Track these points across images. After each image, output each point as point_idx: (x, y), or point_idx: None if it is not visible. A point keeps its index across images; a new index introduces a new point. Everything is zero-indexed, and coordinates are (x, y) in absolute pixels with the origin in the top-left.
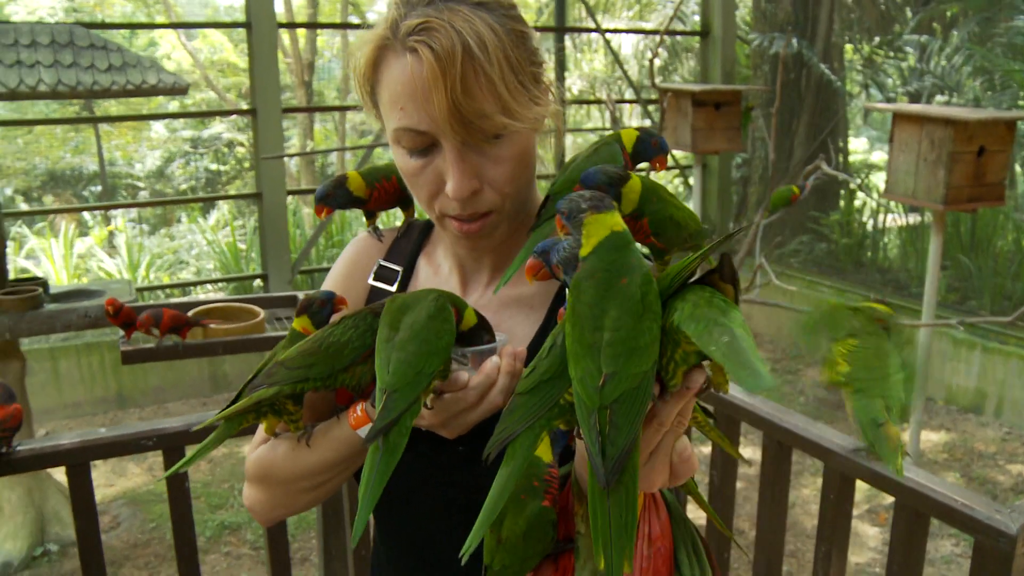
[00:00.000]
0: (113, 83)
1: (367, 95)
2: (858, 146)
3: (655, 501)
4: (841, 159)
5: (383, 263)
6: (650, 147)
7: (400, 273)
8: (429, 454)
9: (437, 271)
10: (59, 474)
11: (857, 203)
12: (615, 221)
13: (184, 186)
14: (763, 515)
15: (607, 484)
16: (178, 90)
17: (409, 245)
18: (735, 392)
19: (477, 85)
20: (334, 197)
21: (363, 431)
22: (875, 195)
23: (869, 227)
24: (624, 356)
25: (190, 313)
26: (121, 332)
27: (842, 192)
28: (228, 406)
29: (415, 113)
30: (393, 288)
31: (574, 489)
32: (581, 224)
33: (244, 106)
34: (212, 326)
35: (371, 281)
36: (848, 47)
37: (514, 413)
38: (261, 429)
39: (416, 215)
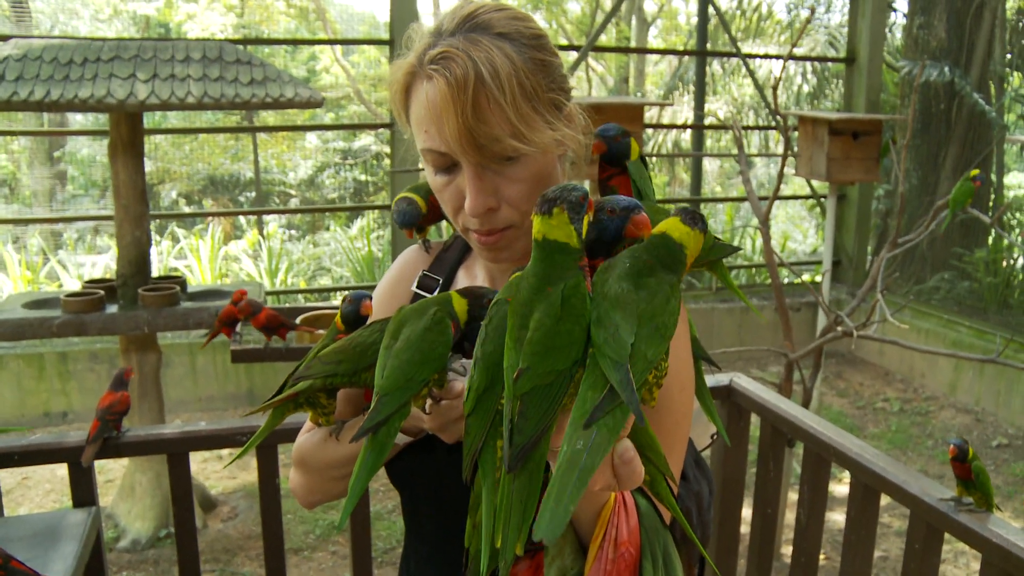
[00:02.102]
0: (253, 95)
1: (404, 117)
2: (1023, 180)
3: (625, 507)
4: (992, 194)
5: (426, 273)
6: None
7: (440, 283)
8: (446, 454)
9: (474, 281)
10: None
11: (1007, 241)
12: (546, 228)
13: (333, 195)
14: (847, 557)
15: (510, 469)
16: (314, 103)
17: (452, 257)
18: (826, 431)
19: (489, 110)
20: (417, 218)
21: None
22: (1015, 233)
23: (1019, 266)
24: (539, 354)
25: (299, 318)
26: (236, 331)
27: (990, 228)
28: (273, 397)
29: (435, 135)
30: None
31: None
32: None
33: (387, 120)
34: (319, 332)
35: (414, 288)
36: (1016, 76)
37: (469, 434)
38: (308, 417)
39: None
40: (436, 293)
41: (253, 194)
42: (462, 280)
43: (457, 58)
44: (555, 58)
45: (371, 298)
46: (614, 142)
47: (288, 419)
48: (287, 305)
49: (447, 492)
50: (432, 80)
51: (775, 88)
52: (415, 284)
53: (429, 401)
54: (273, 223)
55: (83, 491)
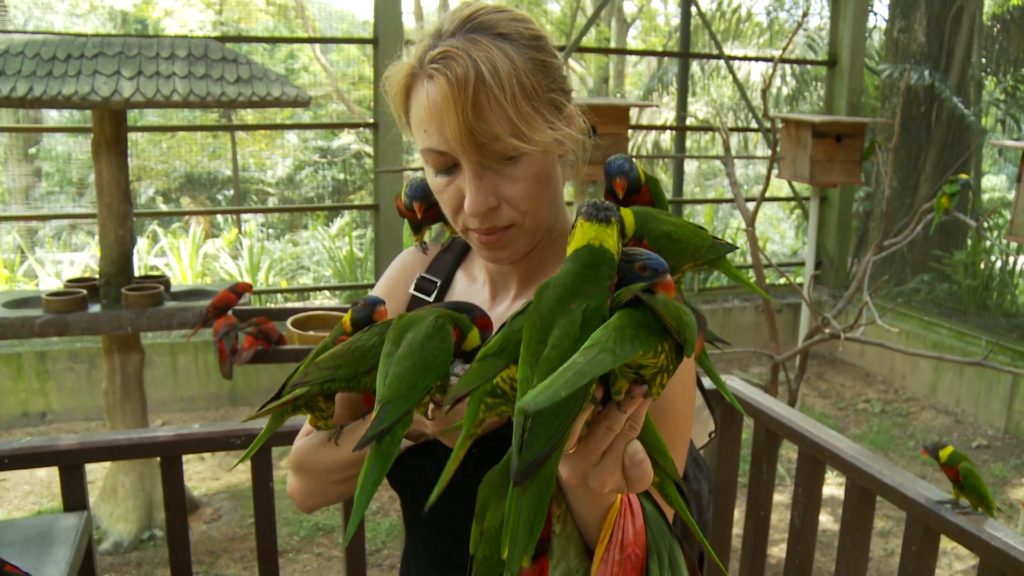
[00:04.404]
0: (240, 94)
1: (403, 118)
2: (997, 183)
3: (631, 509)
4: (971, 197)
5: (424, 275)
6: (608, 176)
7: (438, 285)
8: (448, 458)
9: (472, 283)
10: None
11: (987, 243)
12: (595, 235)
13: (311, 194)
14: (842, 561)
15: (516, 484)
16: (300, 102)
17: (450, 259)
18: (821, 433)
19: (489, 109)
20: (430, 195)
21: None
22: (994, 235)
23: (997, 268)
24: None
25: (289, 320)
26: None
27: (969, 230)
28: (270, 401)
29: (436, 135)
30: (431, 298)
31: (554, 490)
32: (574, 226)
33: (370, 119)
34: (312, 333)
35: (411, 291)
36: (991, 80)
37: (463, 379)
38: (307, 422)
39: None
40: (434, 295)
41: (231, 192)
42: (460, 282)
43: (458, 57)
44: (555, 59)
45: (385, 304)
46: (631, 175)
47: (284, 423)
48: (270, 305)
49: (448, 496)
50: (433, 79)
51: (764, 92)
52: (412, 287)
53: (432, 406)
54: (251, 221)
55: (74, 495)
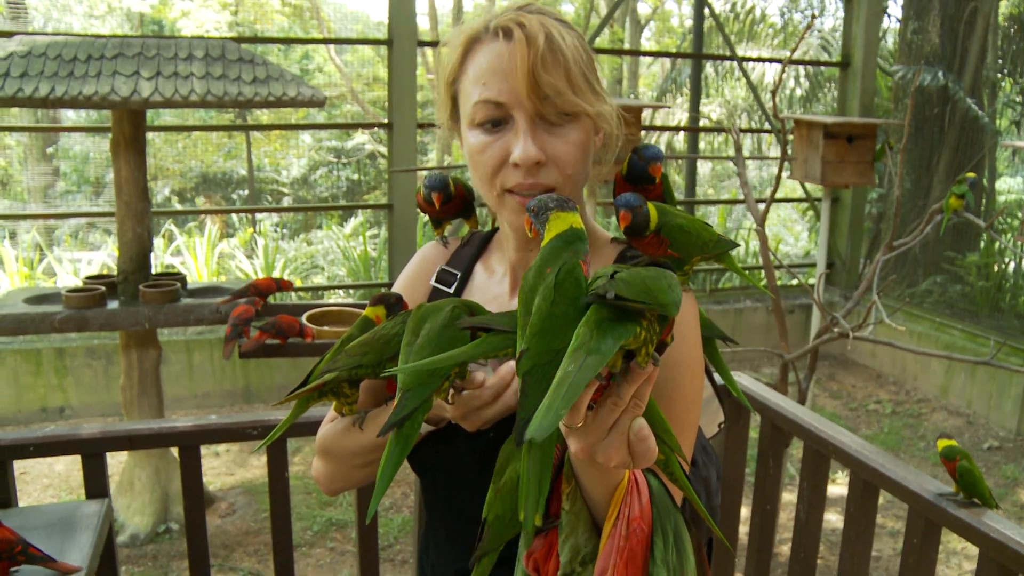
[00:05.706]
0: (256, 94)
1: (447, 91)
2: (1013, 185)
3: (638, 486)
4: (985, 199)
5: (444, 268)
6: (638, 163)
7: (458, 277)
8: (466, 442)
9: (492, 275)
10: None
11: (1000, 244)
12: (575, 219)
13: (325, 193)
14: (845, 554)
15: (518, 444)
16: (316, 102)
17: (469, 252)
18: (826, 428)
19: (555, 65)
20: (447, 188)
21: None
22: (1006, 236)
23: (1010, 270)
24: (537, 336)
25: (304, 315)
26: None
27: (982, 232)
28: (298, 387)
29: (496, 86)
30: (451, 290)
31: (564, 469)
32: (547, 220)
33: (384, 120)
34: (327, 328)
35: (432, 283)
36: (1007, 81)
37: (482, 339)
38: (332, 408)
39: (478, 226)
40: (454, 287)
41: (246, 192)
42: (479, 274)
43: (528, 19)
44: (594, 55)
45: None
46: (639, 160)
47: (307, 410)
48: (283, 302)
49: (466, 479)
50: (505, 34)
51: (774, 93)
52: (433, 279)
53: (452, 391)
54: (266, 221)
55: (96, 483)
